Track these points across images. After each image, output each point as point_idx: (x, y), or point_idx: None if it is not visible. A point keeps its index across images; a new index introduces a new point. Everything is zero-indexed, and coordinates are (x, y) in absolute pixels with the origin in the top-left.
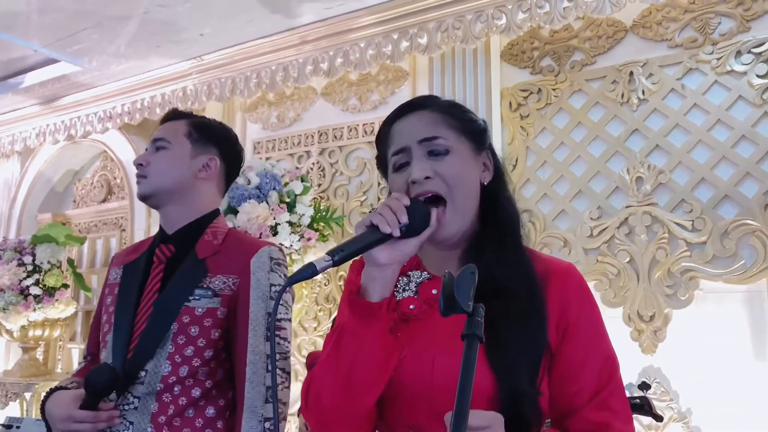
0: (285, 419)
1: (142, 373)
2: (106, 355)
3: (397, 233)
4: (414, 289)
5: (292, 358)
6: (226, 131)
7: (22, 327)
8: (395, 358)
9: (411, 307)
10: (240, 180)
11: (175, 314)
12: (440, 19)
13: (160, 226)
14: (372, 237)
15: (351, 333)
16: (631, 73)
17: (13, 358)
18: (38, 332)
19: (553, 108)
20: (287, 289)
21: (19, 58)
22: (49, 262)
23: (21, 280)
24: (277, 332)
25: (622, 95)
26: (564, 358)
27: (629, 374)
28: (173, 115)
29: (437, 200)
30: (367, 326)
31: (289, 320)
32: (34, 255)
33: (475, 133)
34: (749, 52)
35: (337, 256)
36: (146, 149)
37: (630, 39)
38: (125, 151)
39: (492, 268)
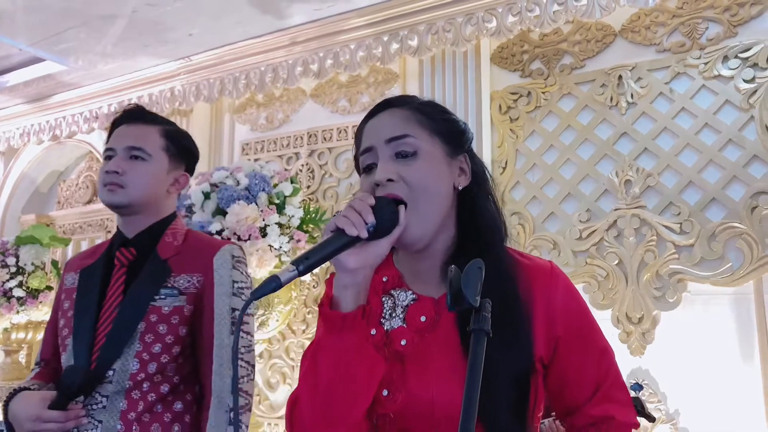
0: (250, 410)
1: (110, 373)
2: (66, 358)
3: (364, 234)
4: (401, 316)
5: (279, 361)
6: (194, 146)
7: (5, 330)
8: (380, 368)
9: (403, 343)
10: (229, 181)
11: (143, 313)
12: (431, 22)
13: (118, 230)
14: (338, 242)
15: (326, 348)
16: (620, 77)
17: None
18: (21, 335)
19: (542, 111)
20: (248, 284)
21: (4, 56)
22: (32, 264)
23: (4, 282)
24: (243, 326)
25: (611, 99)
26: (562, 365)
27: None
28: (143, 116)
29: (400, 201)
30: (342, 339)
31: (252, 315)
32: (17, 256)
33: (452, 135)
34: (736, 57)
35: (302, 266)
36: (111, 151)
37: (619, 43)
38: None
39: None
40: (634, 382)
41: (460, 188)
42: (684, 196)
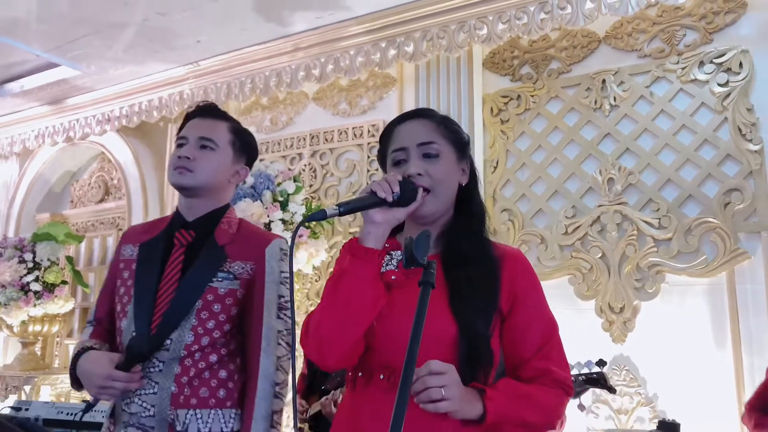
0: (288, 386)
1: (168, 342)
2: (127, 324)
3: (390, 199)
4: (395, 264)
5: None
6: (255, 143)
7: (22, 322)
8: (382, 298)
9: (393, 277)
10: None
11: (200, 293)
12: (425, 29)
13: (178, 212)
14: (371, 200)
15: (350, 272)
16: (604, 81)
17: (11, 352)
18: (37, 327)
19: (531, 113)
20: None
21: (21, 62)
22: (48, 260)
23: (21, 277)
24: (285, 311)
25: (596, 101)
26: (514, 322)
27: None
28: (214, 112)
29: (425, 189)
30: (363, 267)
31: (292, 301)
32: (34, 252)
33: (460, 144)
34: (711, 62)
35: (343, 208)
36: (184, 139)
37: (603, 49)
38: (123, 153)
39: (461, 244)
40: (600, 359)
41: (463, 185)
42: (663, 193)
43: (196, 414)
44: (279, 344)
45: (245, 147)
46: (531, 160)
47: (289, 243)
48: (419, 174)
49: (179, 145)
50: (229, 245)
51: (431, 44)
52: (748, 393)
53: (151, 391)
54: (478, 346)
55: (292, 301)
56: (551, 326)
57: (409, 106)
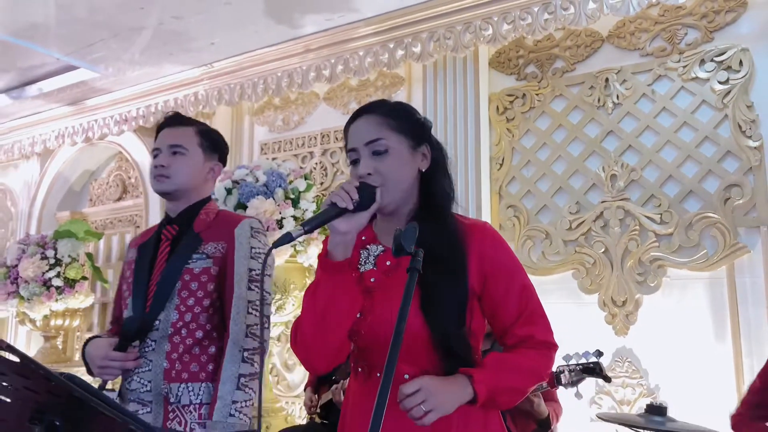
0: (264, 352)
1: (157, 322)
2: (126, 313)
3: (351, 207)
4: (373, 261)
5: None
6: (223, 140)
7: (45, 317)
8: (359, 302)
9: (372, 280)
10: (249, 178)
11: (178, 275)
12: (432, 30)
13: (166, 213)
14: (333, 212)
15: (323, 284)
16: (607, 80)
17: (34, 346)
18: (59, 322)
19: (536, 111)
20: (266, 250)
21: (41, 65)
22: (69, 256)
23: (44, 273)
24: (257, 284)
25: (599, 100)
26: (491, 294)
27: (604, 354)
28: (180, 120)
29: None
30: (335, 278)
31: (270, 276)
32: (56, 249)
33: (414, 131)
34: (712, 60)
35: (308, 227)
36: (157, 150)
37: (606, 48)
38: (140, 153)
39: (427, 239)
40: (597, 349)
41: (423, 171)
42: (664, 189)
43: (187, 387)
44: (250, 313)
45: (214, 146)
46: (536, 157)
47: (260, 269)
48: (369, 174)
49: (155, 156)
50: (204, 231)
51: (438, 45)
52: (747, 384)
53: (147, 368)
54: (451, 344)
55: (261, 307)
56: (527, 292)
57: (417, 105)
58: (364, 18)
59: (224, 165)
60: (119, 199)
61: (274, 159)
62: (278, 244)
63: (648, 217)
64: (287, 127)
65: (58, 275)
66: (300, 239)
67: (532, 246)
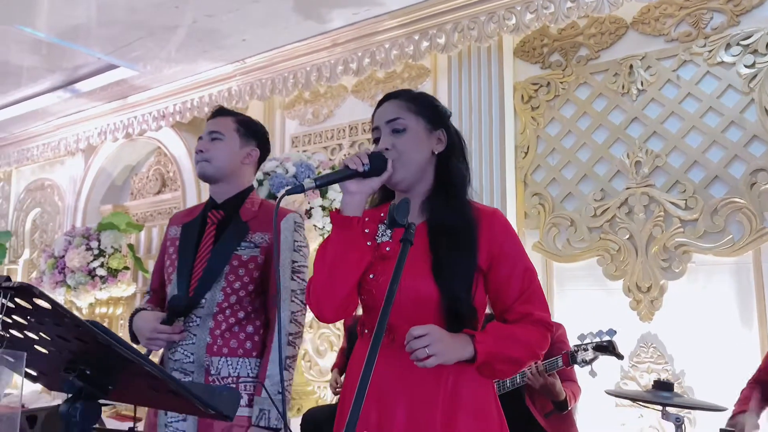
0: (301, 336)
1: (203, 301)
2: (171, 289)
3: (361, 169)
4: (389, 234)
5: (327, 330)
6: (262, 128)
7: (90, 305)
8: (366, 258)
9: (387, 249)
10: (279, 170)
11: (228, 259)
12: (456, 21)
13: (210, 197)
14: (345, 173)
15: (333, 239)
16: (631, 66)
17: None
18: (104, 310)
19: (561, 99)
20: (305, 244)
21: (84, 64)
22: (112, 247)
23: (89, 263)
24: (299, 274)
25: (623, 86)
26: (495, 276)
27: (629, 340)
28: (221, 112)
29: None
30: (344, 233)
31: (306, 266)
32: (99, 240)
33: (431, 115)
34: (738, 44)
35: (319, 182)
36: (200, 138)
37: (630, 35)
38: (177, 147)
39: (441, 213)
40: (610, 328)
41: (436, 153)
42: (689, 175)
43: (227, 361)
44: (293, 301)
45: (250, 132)
46: (561, 145)
47: (275, 209)
48: (387, 148)
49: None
50: (251, 220)
51: (462, 35)
52: None
53: (191, 341)
54: (458, 307)
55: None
56: (529, 274)
57: (443, 95)
58: (389, 11)
59: (265, 151)
60: (158, 192)
61: (304, 151)
62: (291, 192)
63: (673, 203)
64: (317, 120)
65: (101, 265)
66: (328, 227)
67: (557, 233)
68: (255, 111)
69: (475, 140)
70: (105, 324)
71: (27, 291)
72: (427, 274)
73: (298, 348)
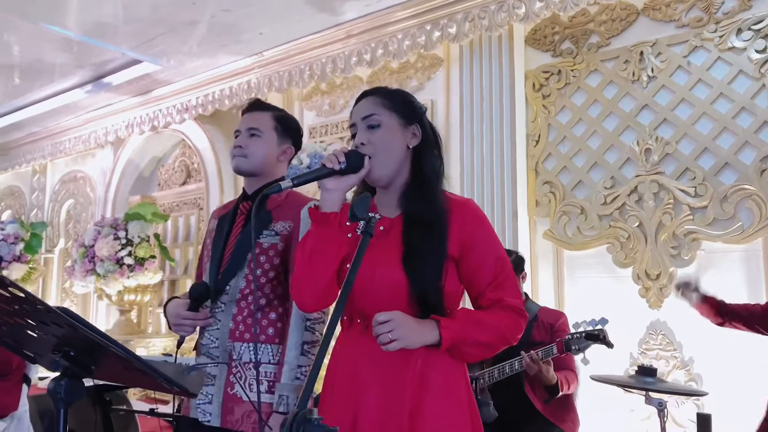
0: (323, 323)
1: (227, 287)
2: (206, 277)
3: (337, 167)
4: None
5: None
6: (297, 125)
7: (119, 292)
8: (344, 250)
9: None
10: (294, 161)
11: (249, 248)
12: (467, 10)
13: (243, 189)
14: (322, 171)
15: (312, 234)
16: (642, 53)
17: (112, 319)
18: (132, 297)
19: (571, 87)
20: None
21: (110, 60)
22: (139, 237)
23: (117, 252)
24: None
25: (633, 74)
26: (467, 263)
27: (638, 327)
28: (258, 106)
29: (364, 156)
30: (322, 228)
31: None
32: (126, 230)
33: (405, 111)
34: (749, 29)
35: (296, 181)
36: (238, 131)
37: (641, 21)
38: (201, 140)
39: (414, 205)
40: (602, 317)
41: (411, 147)
42: (699, 162)
43: (249, 347)
44: None
45: (288, 130)
46: (571, 133)
47: (253, 213)
48: (362, 144)
49: (236, 137)
50: (275, 210)
51: (473, 25)
52: None
53: (216, 327)
54: (427, 294)
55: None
56: (501, 262)
57: (455, 85)
58: (401, 2)
59: (298, 148)
60: (184, 183)
61: (322, 142)
62: (269, 192)
63: (682, 191)
64: (333, 111)
65: (129, 254)
66: None
67: (567, 221)
68: (274, 103)
69: (487, 129)
70: (134, 311)
71: (1, 282)
72: (399, 263)
73: (319, 333)
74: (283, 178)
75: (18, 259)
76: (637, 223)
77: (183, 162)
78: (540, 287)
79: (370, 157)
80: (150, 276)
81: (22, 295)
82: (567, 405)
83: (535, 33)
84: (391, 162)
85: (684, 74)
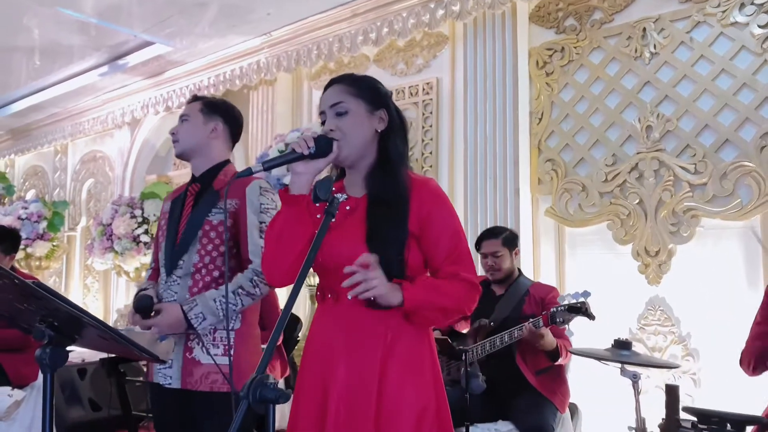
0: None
1: (181, 262)
2: (161, 255)
3: (306, 152)
4: (336, 206)
5: None
6: (226, 105)
7: (136, 269)
8: (309, 228)
9: (332, 220)
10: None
11: (200, 225)
12: None
13: (192, 173)
14: (291, 156)
15: (282, 213)
16: (644, 29)
17: (131, 294)
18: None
19: (574, 65)
20: (273, 206)
21: (124, 42)
22: (154, 215)
23: (133, 230)
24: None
25: (636, 50)
26: (426, 238)
27: (637, 303)
28: (192, 99)
29: (333, 140)
30: (291, 209)
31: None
32: (142, 209)
33: (372, 97)
34: (752, 3)
35: (267, 165)
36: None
37: None
38: None
39: (378, 186)
40: (584, 290)
41: (379, 131)
42: (700, 139)
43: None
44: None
45: (214, 110)
46: (574, 110)
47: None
48: (331, 130)
49: None
50: (222, 189)
51: (476, 2)
52: None
53: (173, 299)
54: (390, 269)
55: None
56: (457, 237)
57: (460, 62)
58: None
59: (232, 125)
60: None
61: None
62: (240, 176)
63: (682, 168)
64: None
65: (145, 232)
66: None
67: (569, 199)
68: (283, 83)
69: (490, 107)
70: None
71: None
72: (363, 240)
73: (258, 291)
74: (227, 161)
75: (41, 237)
76: (637, 200)
77: None
78: (541, 264)
79: (338, 142)
80: None
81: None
82: (558, 378)
83: (539, 10)
84: (357, 146)
85: (686, 50)
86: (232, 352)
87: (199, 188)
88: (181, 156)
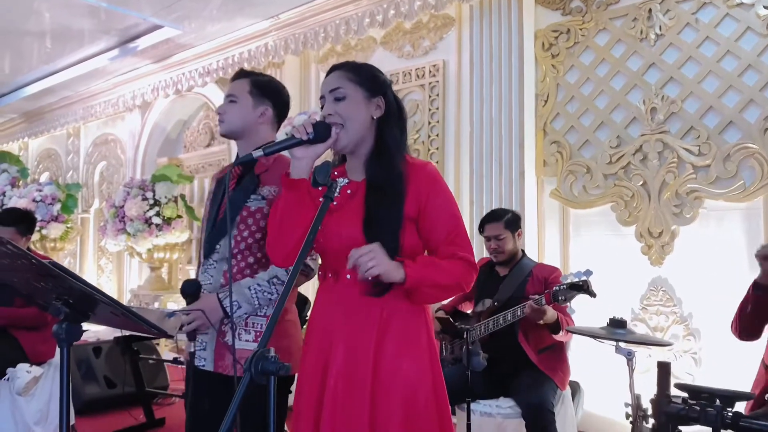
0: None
1: (218, 246)
2: (204, 236)
3: (305, 137)
4: (337, 191)
5: None
6: (276, 87)
7: (148, 250)
8: (311, 211)
9: (334, 203)
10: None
11: (238, 210)
12: None
13: (237, 153)
14: (291, 141)
15: (282, 198)
16: (650, 11)
17: (144, 275)
18: (161, 255)
19: (580, 47)
20: None
21: (133, 25)
22: (165, 197)
23: (145, 212)
24: None
25: (641, 32)
26: (424, 221)
27: (639, 283)
28: (239, 75)
29: (339, 125)
30: (291, 193)
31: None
32: (154, 191)
33: (369, 84)
34: None
35: (267, 150)
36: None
37: None
38: (222, 102)
39: (376, 172)
40: (587, 269)
41: (375, 118)
42: (704, 121)
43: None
44: None
45: (264, 93)
46: (579, 92)
47: (227, 174)
48: (330, 114)
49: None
50: (263, 174)
51: None
52: None
53: (209, 282)
54: (386, 250)
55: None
56: (454, 219)
57: (466, 44)
58: None
59: (280, 110)
60: (208, 145)
61: None
62: (241, 161)
63: (686, 149)
64: None
65: (157, 214)
66: None
67: (574, 180)
68: (291, 66)
69: (496, 89)
70: (164, 268)
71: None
72: (359, 224)
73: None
74: (272, 143)
75: (55, 219)
76: (641, 182)
77: (207, 124)
78: (546, 245)
79: (336, 127)
80: (177, 235)
81: (17, 251)
82: (560, 356)
83: None
84: (355, 132)
85: (692, 32)
86: (236, 335)
87: (241, 171)
88: (226, 135)
